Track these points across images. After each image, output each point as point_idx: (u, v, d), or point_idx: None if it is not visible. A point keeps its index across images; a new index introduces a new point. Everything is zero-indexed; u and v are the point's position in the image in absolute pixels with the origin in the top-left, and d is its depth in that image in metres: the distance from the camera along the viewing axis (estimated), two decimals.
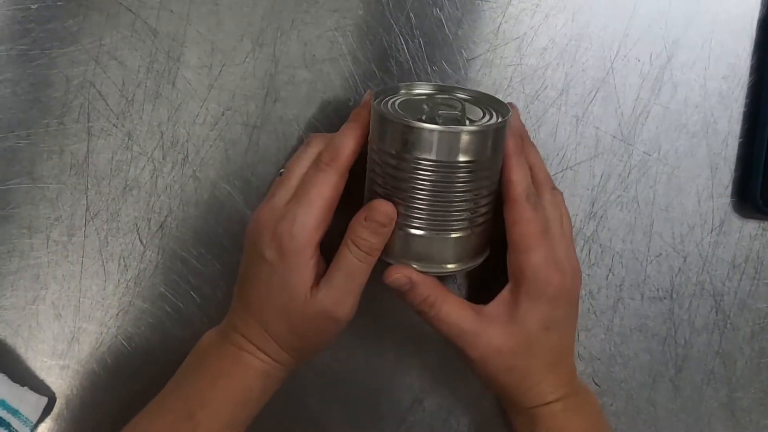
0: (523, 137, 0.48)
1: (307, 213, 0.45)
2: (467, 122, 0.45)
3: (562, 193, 0.49)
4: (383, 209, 0.45)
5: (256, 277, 0.47)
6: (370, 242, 0.45)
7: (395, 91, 0.48)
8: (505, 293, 0.47)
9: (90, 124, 0.52)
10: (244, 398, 0.47)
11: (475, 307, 0.47)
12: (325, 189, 0.46)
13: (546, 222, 0.46)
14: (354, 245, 0.46)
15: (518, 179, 0.46)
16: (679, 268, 0.55)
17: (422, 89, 0.48)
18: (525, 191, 0.46)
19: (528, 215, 0.45)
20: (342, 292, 0.46)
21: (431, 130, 0.43)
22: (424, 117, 0.44)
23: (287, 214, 0.46)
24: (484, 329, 0.46)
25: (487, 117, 0.45)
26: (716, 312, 0.55)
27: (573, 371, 0.49)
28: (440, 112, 0.45)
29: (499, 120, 0.45)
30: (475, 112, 0.46)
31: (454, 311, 0.47)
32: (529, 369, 0.47)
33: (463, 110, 0.45)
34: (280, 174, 0.49)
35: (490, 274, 0.50)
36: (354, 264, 0.46)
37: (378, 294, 0.54)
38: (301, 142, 0.53)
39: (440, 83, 0.50)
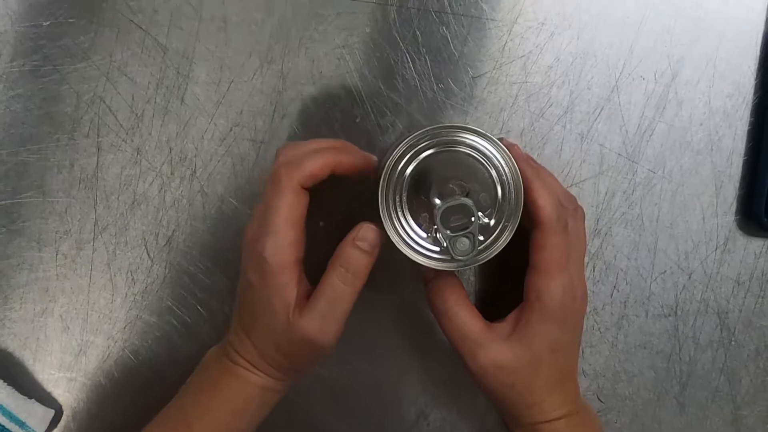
0: (530, 160, 0.48)
1: (274, 234, 0.45)
2: (477, 217, 0.46)
3: (583, 211, 0.49)
4: (370, 236, 0.46)
5: (245, 297, 0.47)
6: (357, 265, 0.46)
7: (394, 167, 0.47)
8: (517, 311, 0.47)
9: (100, 139, 0.53)
10: (242, 408, 0.48)
11: (485, 321, 0.47)
12: (283, 211, 0.45)
13: (569, 247, 0.46)
14: (341, 268, 0.46)
15: (545, 203, 0.45)
16: (684, 286, 0.55)
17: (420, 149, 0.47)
18: (554, 215, 0.45)
19: (555, 241, 0.45)
20: (326, 318, 0.46)
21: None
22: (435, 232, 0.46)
23: (260, 236, 0.45)
24: (489, 343, 0.46)
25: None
26: (721, 329, 0.55)
27: (577, 390, 0.49)
28: (452, 224, 0.46)
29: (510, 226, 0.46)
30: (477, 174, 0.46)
31: (465, 315, 0.47)
32: (532, 386, 0.47)
33: (474, 213, 0.46)
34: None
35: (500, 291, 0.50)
36: (339, 289, 0.46)
37: (385, 308, 0.54)
38: None
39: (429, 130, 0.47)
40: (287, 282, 0.45)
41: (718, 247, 0.55)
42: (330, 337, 0.46)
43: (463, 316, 0.47)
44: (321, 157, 0.46)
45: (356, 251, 0.46)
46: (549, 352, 0.46)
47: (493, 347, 0.46)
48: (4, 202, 0.53)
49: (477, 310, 0.48)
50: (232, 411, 0.47)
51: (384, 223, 0.46)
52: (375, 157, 0.49)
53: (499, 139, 0.46)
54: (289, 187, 0.45)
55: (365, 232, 0.46)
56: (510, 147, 0.46)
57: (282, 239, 0.45)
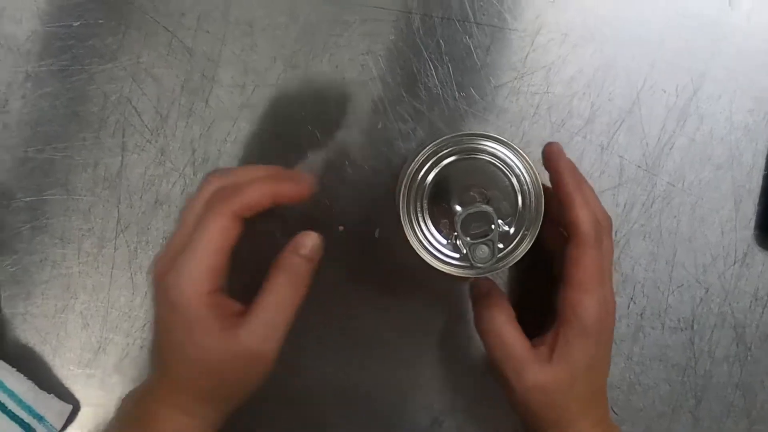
0: (574, 171, 0.47)
1: (194, 261, 0.43)
2: (497, 224, 0.46)
3: (611, 222, 0.49)
4: (309, 242, 0.45)
5: (159, 334, 0.45)
6: (299, 270, 0.45)
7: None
8: (554, 330, 0.46)
9: (125, 139, 0.54)
10: None
11: (529, 341, 0.47)
12: (212, 234, 0.43)
13: (604, 263, 0.46)
14: (283, 275, 0.44)
15: (584, 218, 0.45)
16: (701, 299, 0.55)
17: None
18: (593, 230, 0.45)
19: (592, 256, 0.45)
20: (268, 326, 0.43)
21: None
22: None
23: (175, 265, 0.43)
24: (533, 364, 0.46)
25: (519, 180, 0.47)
26: (737, 344, 0.55)
27: (607, 407, 0.49)
28: (472, 231, 0.46)
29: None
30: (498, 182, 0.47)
31: (512, 335, 0.46)
32: (569, 406, 0.46)
33: (494, 220, 0.46)
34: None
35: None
36: (282, 297, 0.44)
37: (401, 313, 0.54)
38: (331, 164, 0.54)
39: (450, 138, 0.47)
40: (205, 311, 0.43)
41: (736, 261, 0.55)
42: (273, 346, 0.44)
43: (511, 336, 0.46)
44: (262, 186, 0.45)
45: (297, 257, 0.45)
46: (586, 369, 0.46)
47: (537, 368, 0.45)
48: (28, 198, 0.54)
49: (522, 331, 0.47)
50: None
51: (405, 228, 0.46)
52: (312, 182, 0.47)
53: (548, 144, 0.46)
54: (224, 214, 0.43)
55: (304, 239, 0.45)
56: (557, 154, 0.46)
57: (204, 266, 0.43)
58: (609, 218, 0.48)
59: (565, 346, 0.45)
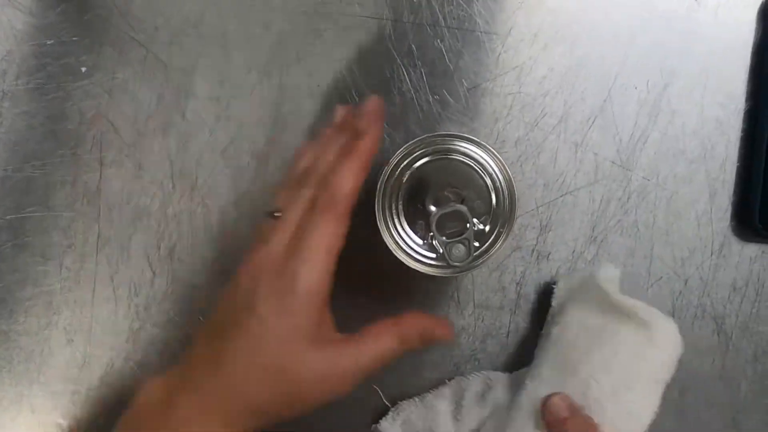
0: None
1: (311, 269, 0.41)
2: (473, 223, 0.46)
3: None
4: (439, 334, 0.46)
5: (239, 331, 0.41)
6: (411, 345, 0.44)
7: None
8: None
9: (102, 154, 0.54)
10: None
11: None
12: (326, 238, 0.42)
13: None
14: (401, 343, 0.44)
15: None
16: (680, 292, 0.55)
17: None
18: None
19: None
20: (363, 365, 0.42)
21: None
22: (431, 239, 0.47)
23: (286, 268, 0.41)
24: None
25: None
26: (718, 335, 0.56)
27: None
28: (447, 231, 0.47)
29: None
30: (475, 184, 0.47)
31: None
32: None
33: (469, 219, 0.46)
34: (274, 216, 0.44)
35: None
36: (387, 352, 0.43)
37: (374, 315, 0.54)
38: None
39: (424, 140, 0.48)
40: (315, 318, 0.41)
41: (713, 253, 0.55)
42: (354, 382, 0.42)
43: None
44: (353, 171, 0.43)
45: (417, 340, 0.45)
46: None
47: None
48: (8, 217, 0.54)
49: None
50: None
51: (381, 230, 0.46)
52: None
53: None
54: (332, 213, 0.42)
55: (437, 332, 0.46)
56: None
57: (317, 272, 0.41)
58: None
59: None
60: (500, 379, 0.53)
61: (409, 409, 0.53)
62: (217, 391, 0.41)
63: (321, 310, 0.42)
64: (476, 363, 0.55)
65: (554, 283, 0.53)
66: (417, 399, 0.53)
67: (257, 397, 0.41)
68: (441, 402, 0.52)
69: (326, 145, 0.46)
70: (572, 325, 0.50)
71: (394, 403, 0.54)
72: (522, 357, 0.54)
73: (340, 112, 0.48)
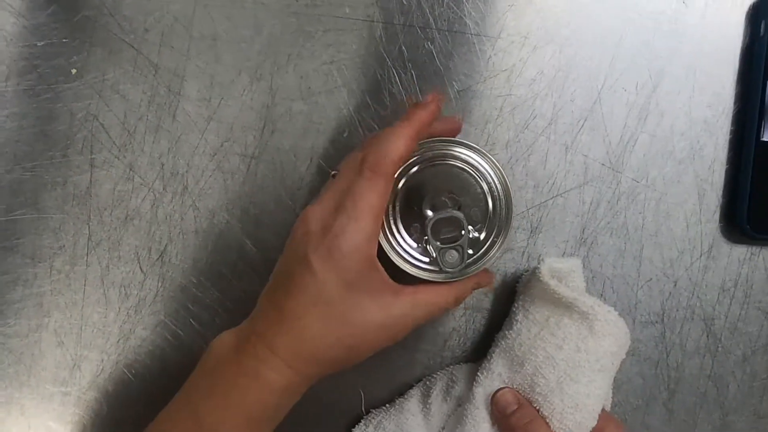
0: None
1: (357, 227, 0.43)
2: (468, 231, 0.47)
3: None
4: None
5: (297, 284, 0.44)
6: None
7: None
8: None
9: (93, 156, 0.54)
10: (260, 416, 0.44)
11: None
12: (372, 198, 0.44)
13: None
14: (457, 299, 0.47)
15: None
16: (670, 293, 0.56)
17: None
18: None
19: None
20: (417, 313, 0.46)
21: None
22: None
23: (335, 224, 0.43)
24: None
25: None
26: (707, 336, 0.56)
27: None
28: (442, 236, 0.47)
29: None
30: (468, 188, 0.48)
31: None
32: None
33: (464, 226, 0.47)
34: (332, 175, 0.47)
35: None
36: (440, 300, 0.47)
37: None
38: (298, 172, 0.54)
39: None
40: (364, 274, 0.44)
41: (702, 254, 0.56)
42: (410, 328, 0.46)
43: None
44: (404, 135, 0.45)
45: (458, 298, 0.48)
46: None
47: None
48: None
49: None
50: (248, 419, 0.44)
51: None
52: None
53: None
54: (379, 174, 0.44)
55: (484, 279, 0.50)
56: None
57: (364, 231, 0.43)
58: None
59: None
60: (463, 372, 0.53)
61: (381, 414, 0.53)
62: (283, 341, 0.44)
63: (370, 263, 0.44)
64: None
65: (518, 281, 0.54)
66: (388, 405, 0.54)
67: (320, 344, 0.44)
68: (411, 403, 0.53)
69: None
70: (519, 319, 0.51)
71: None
72: None
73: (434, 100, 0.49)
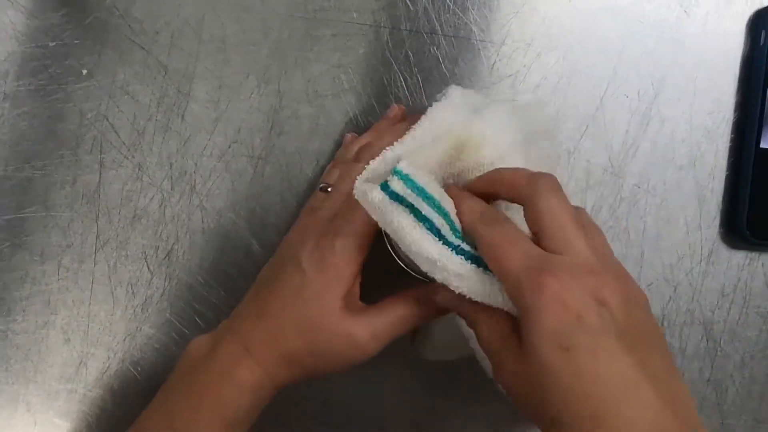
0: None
1: (352, 232, 0.45)
2: None
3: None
4: (447, 296, 0.44)
5: (283, 284, 0.45)
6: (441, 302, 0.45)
7: None
8: None
9: (102, 155, 0.55)
10: (234, 418, 0.45)
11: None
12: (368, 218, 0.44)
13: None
14: (421, 302, 0.45)
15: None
16: (670, 297, 0.56)
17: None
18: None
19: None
20: (382, 330, 0.45)
21: None
22: None
23: (332, 229, 0.45)
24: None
25: None
26: (707, 340, 0.57)
27: None
28: None
29: None
30: None
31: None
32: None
33: None
34: (326, 190, 0.49)
35: None
36: (409, 316, 0.45)
37: None
38: (304, 173, 0.55)
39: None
40: (347, 279, 0.45)
41: (702, 259, 0.56)
42: (376, 349, 0.45)
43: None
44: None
45: (434, 301, 0.45)
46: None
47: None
48: (8, 216, 0.55)
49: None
50: (222, 421, 0.45)
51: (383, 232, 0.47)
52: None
53: None
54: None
55: (445, 292, 0.44)
56: None
57: (358, 239, 0.45)
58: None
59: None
60: None
61: None
62: (257, 339, 0.45)
63: (354, 274, 0.45)
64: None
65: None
66: None
67: (291, 345, 0.44)
68: None
69: (383, 131, 0.51)
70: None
71: None
72: None
73: (394, 109, 0.53)
